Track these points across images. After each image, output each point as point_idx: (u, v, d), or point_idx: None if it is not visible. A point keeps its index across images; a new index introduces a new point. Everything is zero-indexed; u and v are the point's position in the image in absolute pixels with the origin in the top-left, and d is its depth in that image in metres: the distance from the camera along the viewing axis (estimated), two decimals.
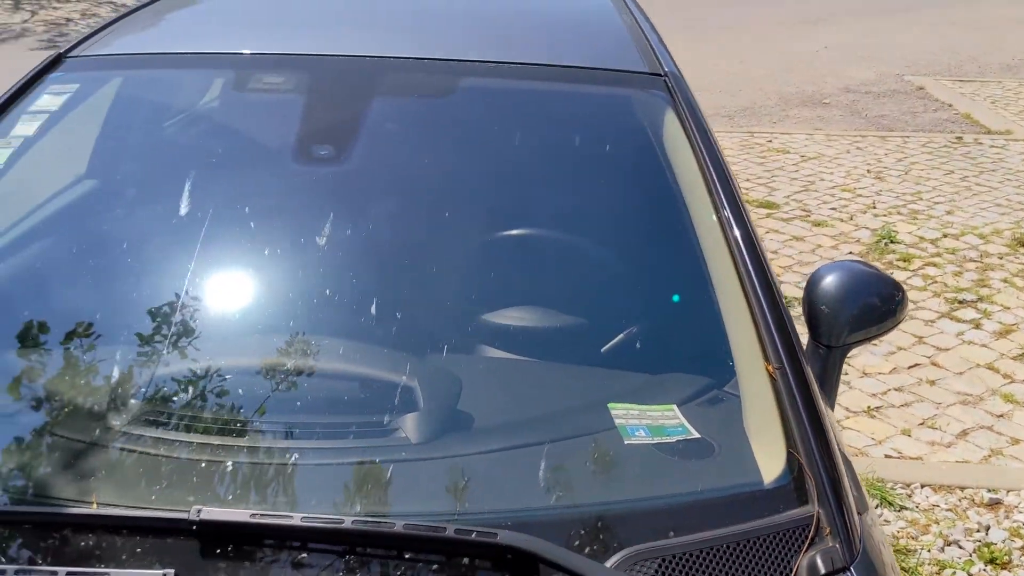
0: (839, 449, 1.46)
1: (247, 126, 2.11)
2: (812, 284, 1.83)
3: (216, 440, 1.41)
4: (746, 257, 1.66)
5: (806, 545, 1.31)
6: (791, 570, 1.28)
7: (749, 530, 1.31)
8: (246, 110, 2.14)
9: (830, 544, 1.31)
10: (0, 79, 7.41)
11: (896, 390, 3.77)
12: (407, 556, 1.24)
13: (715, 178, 1.80)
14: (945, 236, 5.28)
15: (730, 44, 10.14)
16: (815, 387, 1.51)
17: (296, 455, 1.41)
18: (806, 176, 6.28)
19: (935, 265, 4.89)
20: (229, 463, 1.38)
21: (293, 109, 2.09)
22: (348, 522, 1.23)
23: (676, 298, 1.83)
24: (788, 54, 9.78)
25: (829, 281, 1.81)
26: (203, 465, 1.37)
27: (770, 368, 1.53)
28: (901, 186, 6.11)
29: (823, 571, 1.27)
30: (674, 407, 1.56)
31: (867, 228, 5.38)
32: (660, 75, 2.06)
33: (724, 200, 1.76)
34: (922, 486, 3.16)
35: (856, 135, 7.25)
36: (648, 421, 1.53)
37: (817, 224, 5.44)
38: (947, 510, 3.05)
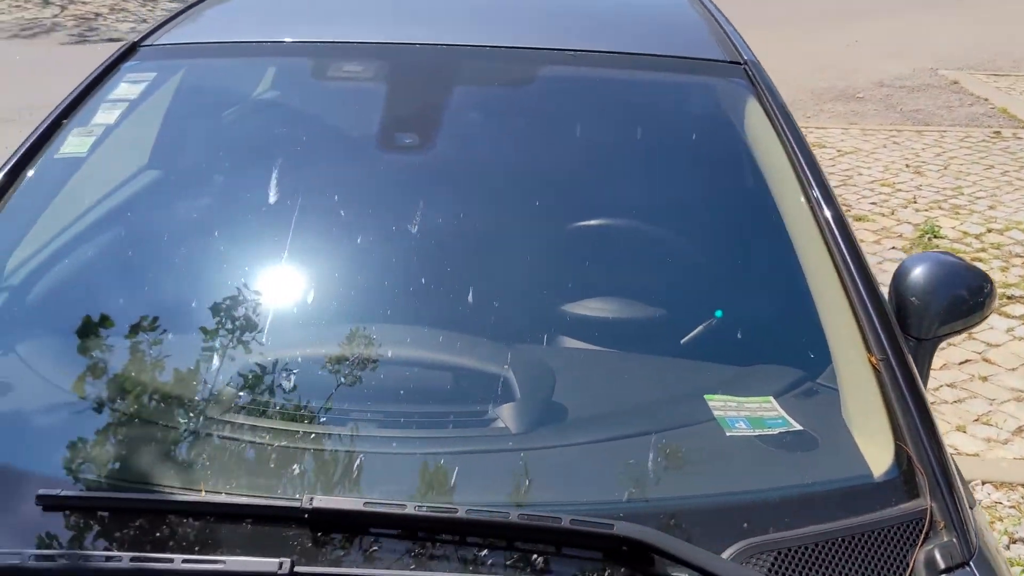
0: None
1: (327, 115, 2.10)
2: (900, 275, 1.80)
3: (318, 429, 1.40)
4: (840, 244, 1.63)
5: (921, 539, 1.28)
6: (908, 565, 1.25)
7: (862, 524, 1.29)
8: (325, 99, 2.13)
9: (945, 539, 1.28)
10: (33, 73, 7.37)
11: (949, 386, 3.72)
12: (521, 546, 1.22)
13: (803, 164, 1.77)
14: (989, 231, 5.22)
15: (756, 42, 10.06)
16: (919, 379, 1.49)
17: (397, 444, 1.40)
18: (844, 171, 6.23)
19: (981, 260, 4.83)
20: (332, 452, 1.37)
21: (372, 98, 2.08)
22: (462, 512, 1.21)
23: (764, 288, 1.80)
24: (817, 50, 9.70)
25: (918, 272, 1.78)
26: (307, 454, 1.36)
27: (873, 360, 1.50)
28: (941, 181, 6.04)
29: (942, 566, 1.24)
30: (771, 399, 1.54)
31: (909, 223, 5.33)
32: (740, 63, 2.04)
33: (814, 186, 1.74)
34: (983, 483, 3.12)
35: (892, 129, 7.18)
36: (747, 413, 1.50)
37: (858, 219, 5.38)
38: (1010, 507, 3.01)
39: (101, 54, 8.29)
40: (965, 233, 5.20)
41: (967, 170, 6.23)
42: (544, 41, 2.10)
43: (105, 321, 1.57)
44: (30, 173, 1.79)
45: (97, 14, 11.82)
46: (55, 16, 11.55)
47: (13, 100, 7.88)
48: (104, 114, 1.89)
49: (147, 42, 2.13)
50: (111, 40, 10.56)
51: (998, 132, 7.03)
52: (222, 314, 1.56)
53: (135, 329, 1.56)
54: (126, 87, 1.97)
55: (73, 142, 1.83)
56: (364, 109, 2.07)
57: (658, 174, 1.99)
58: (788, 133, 1.83)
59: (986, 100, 7.98)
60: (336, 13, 2.31)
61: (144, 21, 11.52)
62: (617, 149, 1.99)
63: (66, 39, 10.48)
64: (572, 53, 2.04)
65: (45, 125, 1.86)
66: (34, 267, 1.70)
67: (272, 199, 1.77)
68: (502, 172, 1.94)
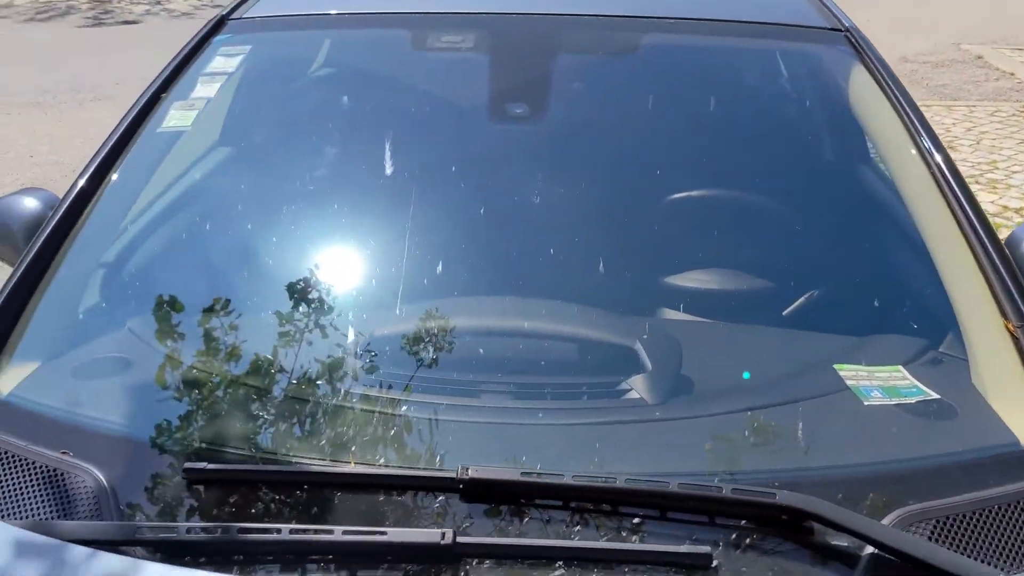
0: None
1: (431, 86, 2.07)
2: (1014, 243, 1.78)
3: (461, 401, 1.39)
4: (966, 208, 1.61)
5: None
6: None
7: (1016, 492, 1.27)
8: (427, 70, 2.10)
9: None
10: (54, 56, 7.34)
11: None
12: (677, 516, 1.21)
13: (917, 127, 1.74)
14: None
15: None
16: None
17: (543, 415, 1.38)
18: None
19: None
20: (477, 424, 1.36)
21: (476, 69, 2.05)
22: (621, 481, 1.20)
23: (881, 255, 1.78)
24: None
25: None
26: (452, 426, 1.35)
27: (1010, 326, 1.48)
28: (974, 156, 6.00)
29: None
30: (900, 368, 1.52)
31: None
32: (841, 30, 2.01)
33: (931, 149, 1.71)
34: None
35: (920, 105, 7.12)
36: (879, 383, 1.49)
37: None
38: None
39: (117, 36, 8.31)
40: (1005, 207, 5.17)
41: (1000, 144, 6.19)
42: (645, 9, 2.07)
43: (237, 294, 1.55)
44: (133, 147, 1.76)
45: None
46: None
47: (37, 82, 7.84)
48: (203, 87, 1.87)
49: (235, 15, 2.10)
50: (126, 22, 10.51)
51: None
52: (355, 287, 1.55)
53: (270, 302, 1.54)
54: (222, 60, 1.94)
55: (175, 115, 1.80)
56: (469, 80, 2.04)
57: (766, 142, 1.96)
58: (898, 97, 1.81)
59: (1012, 75, 7.92)
60: None
61: (158, 3, 11.45)
62: (723, 117, 1.97)
63: (82, 22, 10.42)
64: (674, 21, 2.02)
65: (144, 100, 1.84)
66: (148, 242, 1.68)
67: (389, 171, 1.75)
68: (612, 142, 1.91)
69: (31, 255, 1.57)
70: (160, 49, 9.42)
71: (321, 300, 1.54)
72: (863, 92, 1.89)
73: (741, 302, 1.72)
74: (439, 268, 1.63)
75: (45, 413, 1.42)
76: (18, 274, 1.54)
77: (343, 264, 1.62)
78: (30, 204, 1.87)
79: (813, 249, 1.82)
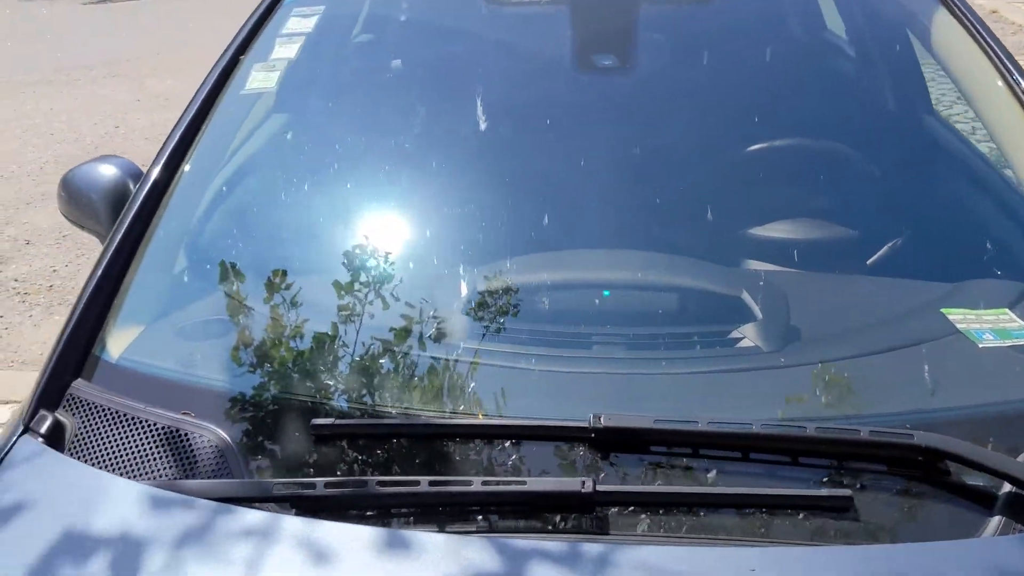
0: None
1: (514, 39, 2.04)
2: None
3: (582, 352, 1.38)
4: None
5: None
6: None
7: None
8: (508, 22, 2.07)
9: None
10: (62, 34, 7.29)
11: None
12: (811, 461, 1.20)
13: (1009, 69, 1.72)
14: None
15: None
16: None
17: (664, 364, 1.38)
18: None
19: None
20: (600, 374, 1.35)
21: (558, 20, 2.02)
22: (756, 426, 1.20)
23: (971, 200, 1.77)
24: None
25: None
26: (574, 376, 1.34)
27: None
28: None
29: None
30: (1007, 310, 1.51)
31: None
32: None
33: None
34: None
35: None
36: (989, 325, 1.48)
37: None
38: None
39: (122, 12, 8.22)
40: None
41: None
42: None
43: (341, 252, 1.54)
44: (218, 109, 1.74)
45: None
46: None
47: (48, 60, 7.77)
48: (282, 48, 1.84)
49: None
50: None
51: None
52: (462, 241, 1.53)
53: (376, 258, 1.53)
54: (297, 21, 1.92)
55: (257, 77, 1.78)
56: (551, 33, 2.02)
57: (849, 88, 1.95)
58: (983, 37, 1.78)
59: None
60: None
61: None
62: (806, 64, 1.95)
63: None
64: None
65: (223, 63, 1.81)
66: (240, 203, 1.67)
67: (484, 126, 1.73)
68: (700, 91, 1.89)
69: (128, 220, 1.56)
70: (168, 26, 9.31)
71: (429, 254, 1.53)
72: (946, 33, 1.87)
73: (830, 251, 1.71)
74: (545, 220, 1.61)
75: (158, 375, 1.42)
76: (117, 239, 1.53)
77: (448, 218, 1.60)
78: (108, 171, 1.85)
79: (901, 196, 1.80)
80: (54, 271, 4.30)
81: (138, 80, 7.26)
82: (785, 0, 2.03)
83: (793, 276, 1.63)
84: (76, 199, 1.86)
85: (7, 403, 3.38)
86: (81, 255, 4.42)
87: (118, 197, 1.83)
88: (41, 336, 3.79)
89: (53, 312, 3.96)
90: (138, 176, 1.87)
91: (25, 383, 3.46)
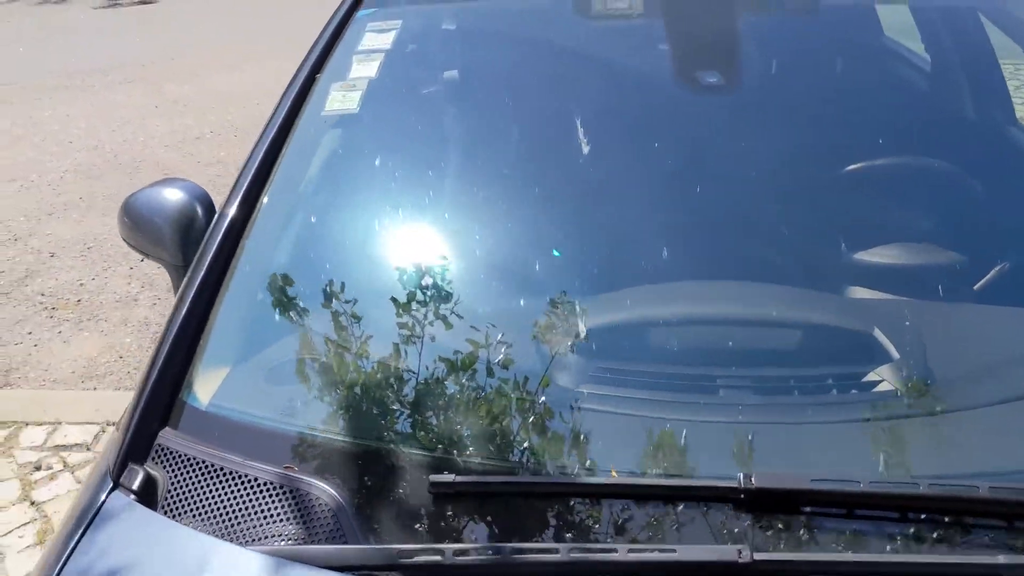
0: None
1: (605, 54, 1.92)
2: None
3: (708, 399, 1.27)
4: None
5: None
6: None
7: None
8: (597, 36, 1.95)
9: None
10: (76, 38, 7.16)
11: None
12: (991, 523, 1.10)
13: None
14: None
15: None
16: None
17: (807, 411, 1.28)
18: None
19: None
20: (734, 423, 1.24)
21: (653, 33, 1.91)
22: (924, 486, 1.09)
23: None
24: None
25: None
26: (710, 427, 1.24)
27: None
28: None
29: None
30: None
31: None
32: None
33: None
34: None
35: None
36: None
37: None
38: None
39: (135, 16, 8.12)
40: None
41: None
42: None
43: (436, 288, 1.42)
44: (296, 132, 1.63)
45: None
46: None
47: (63, 66, 7.67)
48: (360, 67, 1.73)
49: None
50: (143, 2, 10.30)
51: None
52: (568, 275, 1.43)
53: (475, 296, 1.42)
54: (372, 37, 1.80)
55: (337, 97, 1.67)
56: (647, 47, 1.90)
57: (957, 105, 1.84)
58: None
59: None
60: None
61: None
62: (915, 80, 1.84)
63: (98, 2, 10.22)
64: None
65: (299, 82, 1.70)
66: (324, 235, 1.56)
67: (585, 149, 1.62)
68: (810, 111, 1.78)
69: (208, 255, 1.46)
70: (180, 30, 9.22)
71: (543, 290, 1.42)
72: None
73: (951, 277, 1.61)
74: (664, 253, 1.50)
75: (253, 423, 1.31)
76: (198, 278, 1.42)
77: (547, 250, 1.49)
78: (174, 196, 1.74)
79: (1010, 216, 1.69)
80: (81, 284, 4.20)
81: (154, 85, 7.15)
82: (891, 8, 1.92)
83: (922, 307, 1.52)
84: (140, 226, 1.76)
85: (40, 424, 3.28)
86: (107, 267, 4.32)
87: (185, 223, 1.72)
88: (72, 353, 3.69)
89: (83, 328, 3.86)
90: (204, 199, 1.77)
91: (56, 403, 3.39)
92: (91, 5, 10.08)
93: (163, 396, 1.33)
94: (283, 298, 1.49)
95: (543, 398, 1.27)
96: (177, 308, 1.41)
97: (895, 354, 1.36)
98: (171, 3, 10.19)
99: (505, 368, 1.30)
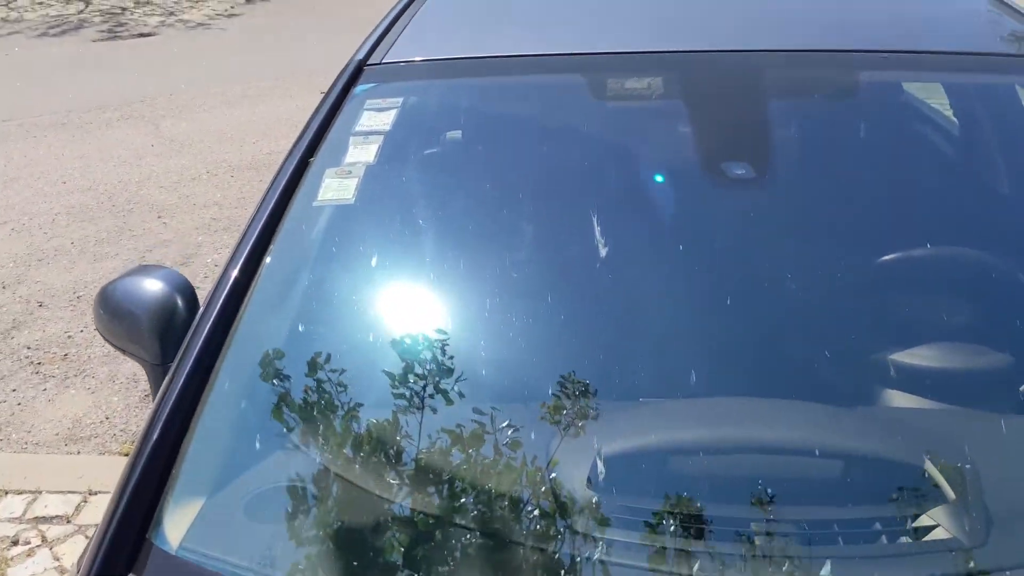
0: None
1: (623, 142, 1.77)
2: None
3: (734, 548, 1.12)
4: None
5: None
6: None
7: None
8: (613, 122, 1.81)
9: None
10: (76, 72, 7.05)
11: None
12: None
13: None
14: None
15: None
16: None
17: (859, 566, 1.12)
18: None
19: None
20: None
21: (676, 119, 1.76)
22: None
23: None
24: None
25: None
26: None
27: None
28: None
29: None
30: None
31: None
32: None
33: None
34: None
35: None
36: None
37: None
38: None
39: (134, 50, 8.00)
40: None
41: None
42: (859, 42, 1.79)
43: (432, 407, 1.27)
44: (285, 225, 1.49)
45: (123, 8, 11.45)
46: (80, 12, 11.18)
47: (59, 102, 7.55)
48: (357, 150, 1.58)
49: (373, 60, 1.81)
50: (141, 35, 10.22)
51: None
52: (591, 388, 1.27)
53: (497, 418, 1.27)
54: (371, 116, 1.65)
55: (331, 185, 1.52)
56: (668, 136, 1.75)
57: (999, 193, 1.70)
58: None
59: None
60: (598, 16, 1.98)
61: (171, 13, 11.15)
62: (956, 166, 1.70)
63: (96, 35, 10.13)
64: (891, 55, 1.73)
65: (291, 167, 1.56)
66: (315, 342, 1.41)
67: (603, 251, 1.46)
68: (849, 207, 1.63)
69: (188, 364, 1.31)
70: (179, 64, 9.14)
71: (556, 406, 1.26)
72: None
73: (993, 385, 1.46)
74: (683, 365, 1.34)
75: (228, 572, 1.16)
76: (172, 396, 1.27)
77: (565, 360, 1.34)
78: (153, 287, 1.60)
79: None
80: (69, 337, 4.05)
81: (152, 122, 7.03)
82: (930, 90, 1.78)
83: (976, 423, 1.37)
84: (118, 319, 1.61)
85: (20, 493, 3.11)
86: None
87: (165, 317, 1.58)
88: (56, 413, 3.53)
89: (69, 385, 3.70)
90: (186, 291, 1.62)
91: (38, 469, 3.22)
92: (90, 38, 9.99)
93: (129, 535, 1.18)
94: (269, 414, 1.34)
95: (557, 548, 1.12)
96: (148, 431, 1.26)
97: (950, 493, 1.20)
98: (171, 36, 10.10)
99: (510, 518, 1.15)
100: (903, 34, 1.85)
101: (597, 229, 1.49)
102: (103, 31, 10.31)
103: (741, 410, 1.34)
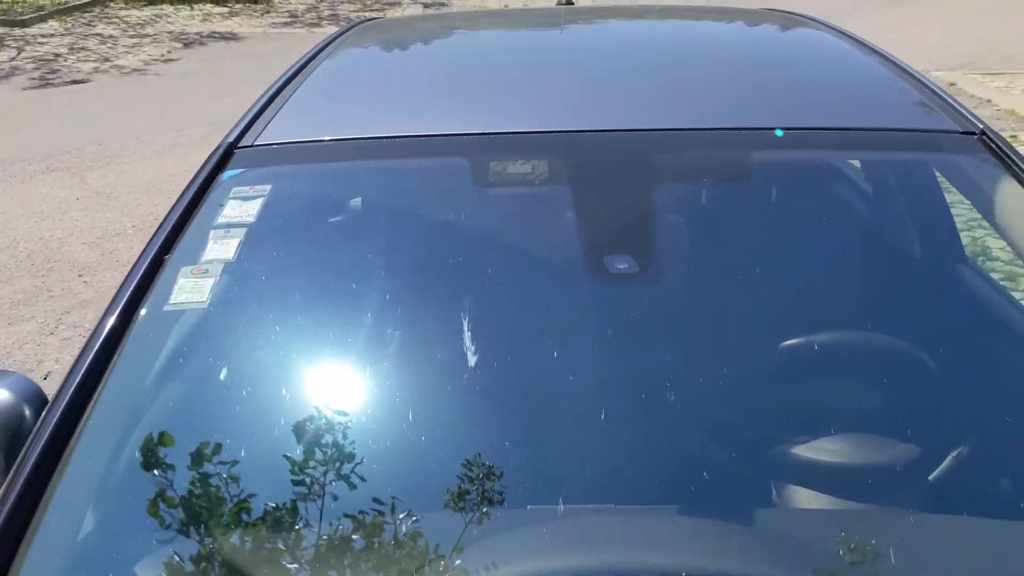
0: None
1: (501, 233, 1.66)
2: None
3: None
4: None
5: None
6: None
7: None
8: (493, 210, 1.71)
9: None
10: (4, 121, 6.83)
11: None
12: None
13: None
14: None
15: None
16: None
17: None
18: None
19: None
20: None
21: (559, 207, 1.67)
22: None
23: None
24: None
25: None
26: None
27: None
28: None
29: None
30: None
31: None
32: (975, 133, 1.70)
33: None
34: None
35: None
36: None
37: None
38: None
39: (67, 97, 7.81)
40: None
41: None
42: (752, 120, 1.72)
43: (289, 511, 1.16)
44: (133, 332, 1.37)
45: (56, 55, 11.24)
46: (12, 59, 10.95)
47: None
48: (217, 245, 1.47)
49: (244, 143, 1.70)
50: (74, 82, 10.02)
51: (1014, 136, 6.83)
52: (451, 515, 1.17)
53: (334, 522, 1.15)
54: (236, 206, 1.55)
55: (185, 286, 1.41)
56: (553, 225, 1.66)
57: (899, 275, 1.63)
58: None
59: (989, 102, 7.79)
60: (481, 96, 1.89)
61: (106, 59, 10.97)
62: (853, 248, 1.63)
63: (27, 83, 9.91)
64: (793, 132, 1.65)
65: (145, 263, 1.44)
66: (162, 445, 1.29)
67: (472, 359, 1.36)
68: (750, 305, 1.53)
69: (26, 469, 1.19)
70: (111, 112, 8.95)
71: (418, 520, 1.16)
72: (1011, 205, 1.58)
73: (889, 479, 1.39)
74: (556, 477, 1.24)
75: None
76: (13, 496, 1.16)
77: (422, 479, 1.24)
78: (2, 396, 1.47)
79: (975, 407, 1.49)
80: None
81: (78, 175, 6.84)
82: (826, 169, 1.72)
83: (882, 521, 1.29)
84: None
85: None
86: None
87: (11, 431, 1.45)
88: None
89: None
90: (36, 398, 1.50)
91: None
92: (21, 86, 9.76)
93: None
94: (104, 518, 1.22)
95: None
96: None
97: None
98: (105, 83, 9.91)
99: None
100: (803, 111, 1.79)
101: (468, 330, 1.40)
102: (34, 78, 10.10)
103: (627, 521, 1.24)
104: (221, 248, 1.46)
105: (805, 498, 1.37)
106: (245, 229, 1.50)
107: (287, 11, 14.06)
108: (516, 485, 1.28)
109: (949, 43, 9.86)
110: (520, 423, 1.34)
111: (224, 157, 1.65)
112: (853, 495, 1.38)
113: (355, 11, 13.93)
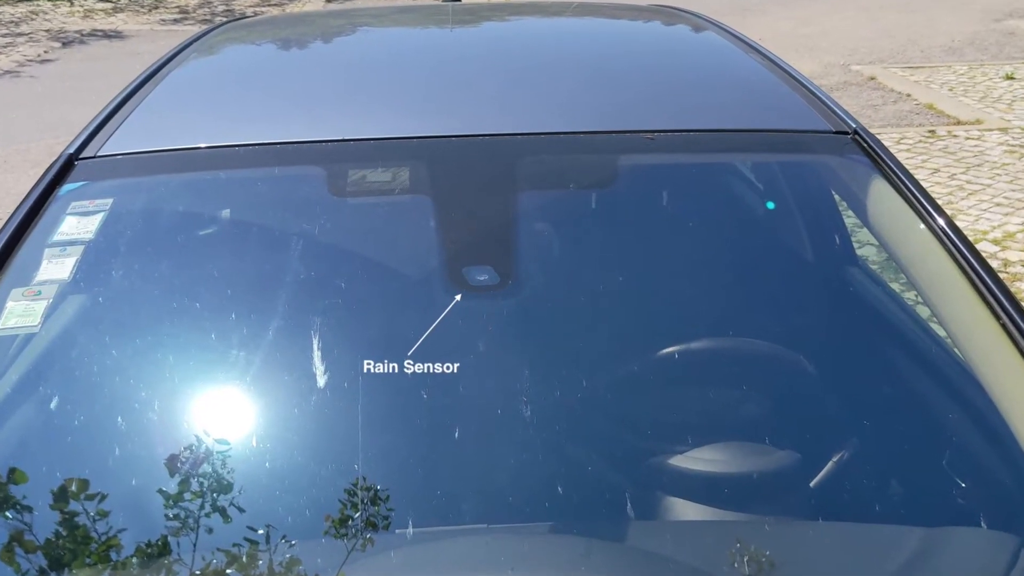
0: None
1: (358, 245, 1.67)
2: None
3: None
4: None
5: None
6: None
7: None
8: (351, 221, 1.72)
9: None
10: None
11: None
12: None
13: (953, 242, 1.52)
14: None
15: None
16: None
17: None
18: None
19: None
20: None
21: (419, 217, 1.68)
22: None
23: (939, 418, 1.53)
24: None
25: None
26: None
27: None
28: None
29: None
30: None
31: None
32: (848, 132, 1.77)
33: (982, 276, 1.48)
34: None
35: None
36: None
37: None
38: None
39: None
40: None
41: (917, 176, 6.22)
42: (620, 123, 1.77)
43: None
44: None
45: None
46: None
47: None
48: (51, 264, 1.45)
49: (86, 154, 1.68)
50: None
51: (932, 131, 7.11)
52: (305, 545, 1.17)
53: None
54: (74, 221, 1.53)
55: (15, 310, 1.38)
56: (412, 236, 1.67)
57: (776, 278, 1.70)
58: (922, 206, 1.59)
59: (909, 96, 8.09)
60: (343, 101, 1.89)
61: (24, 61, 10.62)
62: (725, 252, 1.68)
63: None
64: (656, 134, 1.71)
65: None
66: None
67: (322, 378, 1.36)
68: (611, 314, 1.57)
69: None
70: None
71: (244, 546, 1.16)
72: (883, 206, 1.66)
73: (763, 487, 1.45)
74: (442, 502, 1.26)
75: None
76: None
77: (267, 508, 1.24)
78: None
79: (851, 412, 1.55)
80: None
81: None
82: (695, 172, 1.77)
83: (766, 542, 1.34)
84: None
85: None
86: None
87: None
88: None
89: None
90: None
91: None
92: None
93: None
94: None
95: None
96: None
97: None
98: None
99: None
100: (675, 113, 1.84)
101: (324, 348, 1.41)
102: None
103: (498, 541, 1.27)
104: (56, 267, 1.44)
105: (683, 509, 1.42)
106: (83, 247, 1.48)
107: (177, 6, 13.82)
108: (374, 507, 1.30)
109: (869, 35, 10.20)
110: (379, 443, 1.35)
111: (63, 169, 1.63)
112: (732, 504, 1.43)
113: (251, 6, 13.78)
